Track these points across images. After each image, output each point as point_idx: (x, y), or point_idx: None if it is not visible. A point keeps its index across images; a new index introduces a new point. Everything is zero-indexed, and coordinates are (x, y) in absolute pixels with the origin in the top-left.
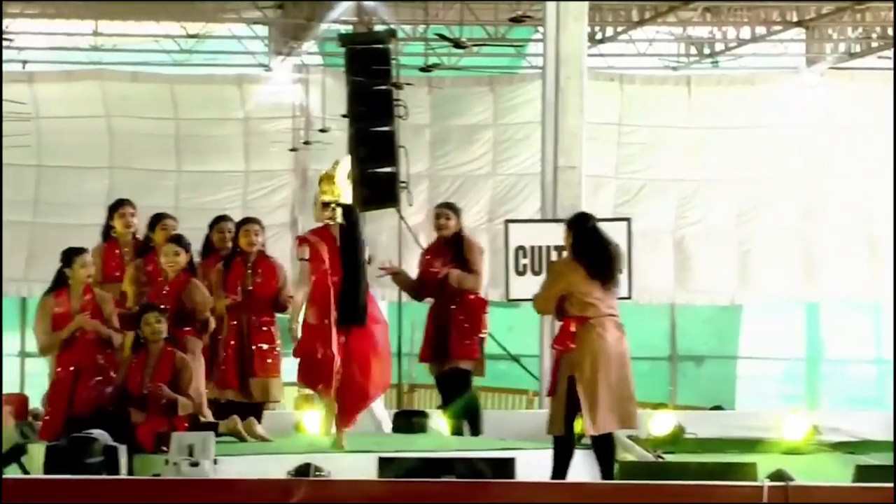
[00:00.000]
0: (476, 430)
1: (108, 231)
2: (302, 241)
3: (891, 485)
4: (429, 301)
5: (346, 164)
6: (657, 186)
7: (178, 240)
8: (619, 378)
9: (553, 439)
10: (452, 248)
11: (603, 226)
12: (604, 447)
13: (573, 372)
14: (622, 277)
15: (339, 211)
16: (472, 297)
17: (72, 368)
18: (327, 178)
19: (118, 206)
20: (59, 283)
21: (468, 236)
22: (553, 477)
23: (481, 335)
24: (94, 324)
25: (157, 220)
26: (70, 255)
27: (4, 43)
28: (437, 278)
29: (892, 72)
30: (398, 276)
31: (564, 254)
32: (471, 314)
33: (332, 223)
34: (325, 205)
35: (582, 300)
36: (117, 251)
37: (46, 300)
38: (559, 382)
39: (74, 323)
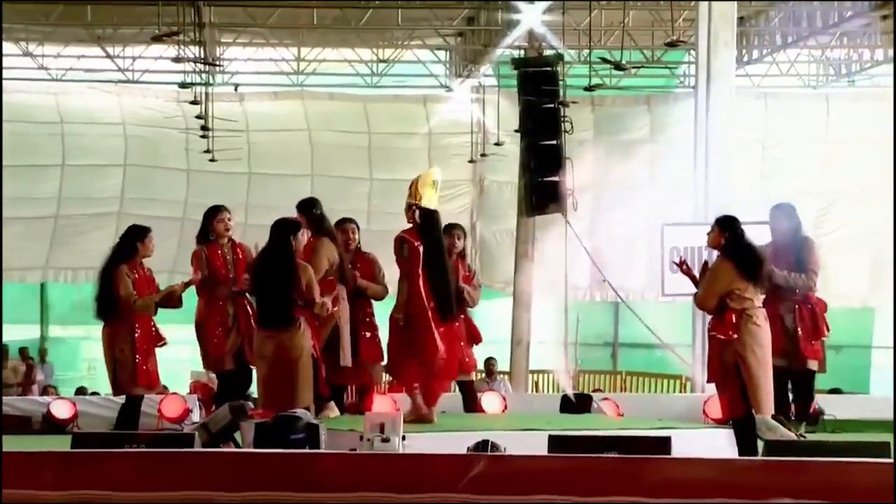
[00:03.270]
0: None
1: (207, 234)
2: (402, 240)
3: None
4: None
5: (434, 174)
6: (798, 197)
7: None
8: (769, 364)
9: (735, 421)
10: (792, 250)
11: (750, 228)
12: (752, 427)
13: (737, 359)
14: None
15: (417, 213)
16: (815, 297)
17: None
18: (421, 184)
19: (217, 212)
20: (131, 255)
21: (807, 237)
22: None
23: (824, 337)
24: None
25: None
26: (143, 231)
27: (217, 69)
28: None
29: None
30: None
31: (715, 253)
32: (815, 314)
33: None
34: (408, 207)
35: (741, 295)
36: (219, 252)
37: (123, 268)
38: (726, 369)
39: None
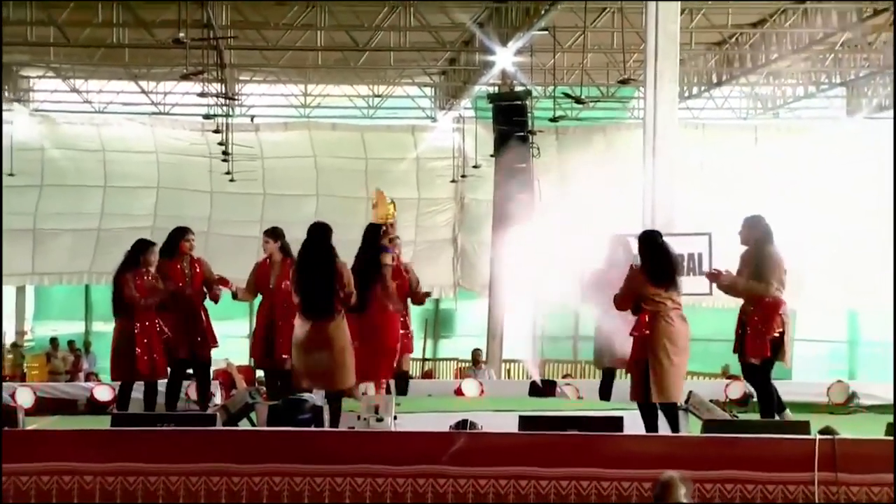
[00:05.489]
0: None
1: (172, 250)
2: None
3: None
4: None
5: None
6: (731, 213)
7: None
8: (682, 358)
9: (640, 405)
10: (756, 259)
11: (688, 239)
12: (655, 410)
13: (648, 353)
14: (703, 279)
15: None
16: (767, 300)
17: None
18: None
19: (185, 233)
20: (136, 265)
21: (761, 249)
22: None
23: (773, 335)
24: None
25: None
26: (147, 245)
27: (236, 103)
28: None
29: None
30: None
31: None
32: (765, 315)
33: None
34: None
35: (653, 299)
36: (179, 266)
37: (128, 276)
38: (638, 362)
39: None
